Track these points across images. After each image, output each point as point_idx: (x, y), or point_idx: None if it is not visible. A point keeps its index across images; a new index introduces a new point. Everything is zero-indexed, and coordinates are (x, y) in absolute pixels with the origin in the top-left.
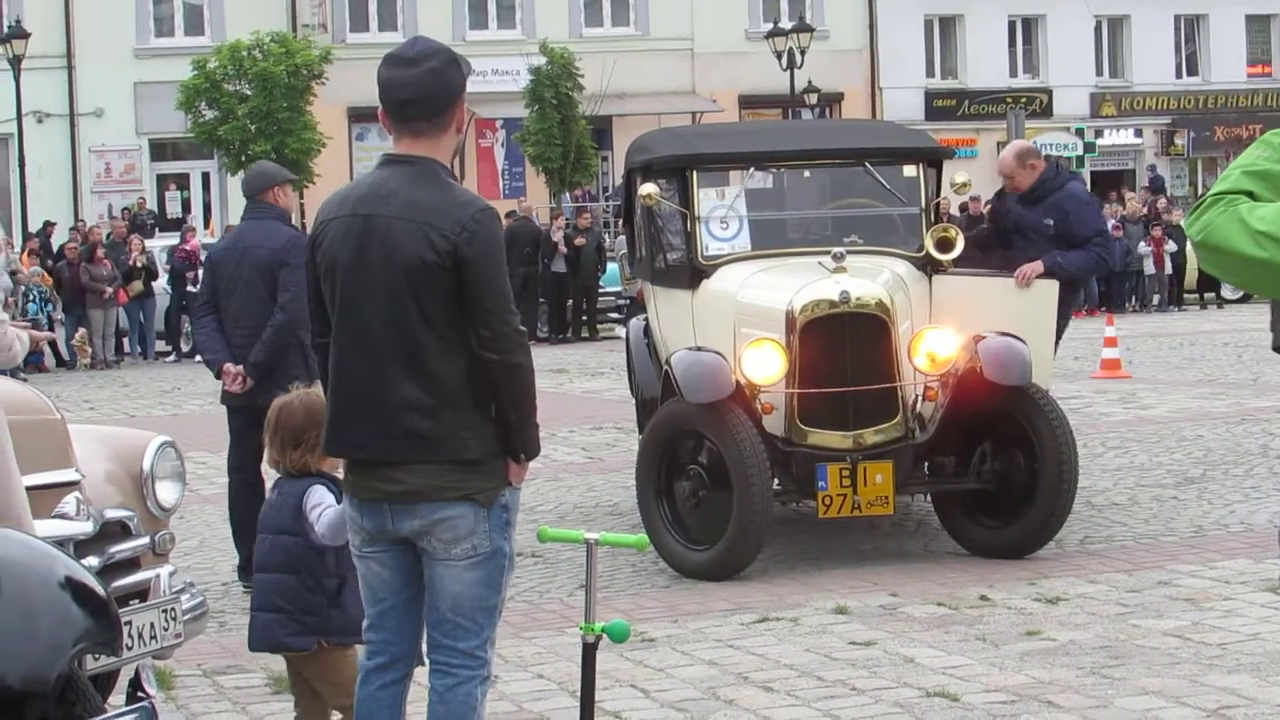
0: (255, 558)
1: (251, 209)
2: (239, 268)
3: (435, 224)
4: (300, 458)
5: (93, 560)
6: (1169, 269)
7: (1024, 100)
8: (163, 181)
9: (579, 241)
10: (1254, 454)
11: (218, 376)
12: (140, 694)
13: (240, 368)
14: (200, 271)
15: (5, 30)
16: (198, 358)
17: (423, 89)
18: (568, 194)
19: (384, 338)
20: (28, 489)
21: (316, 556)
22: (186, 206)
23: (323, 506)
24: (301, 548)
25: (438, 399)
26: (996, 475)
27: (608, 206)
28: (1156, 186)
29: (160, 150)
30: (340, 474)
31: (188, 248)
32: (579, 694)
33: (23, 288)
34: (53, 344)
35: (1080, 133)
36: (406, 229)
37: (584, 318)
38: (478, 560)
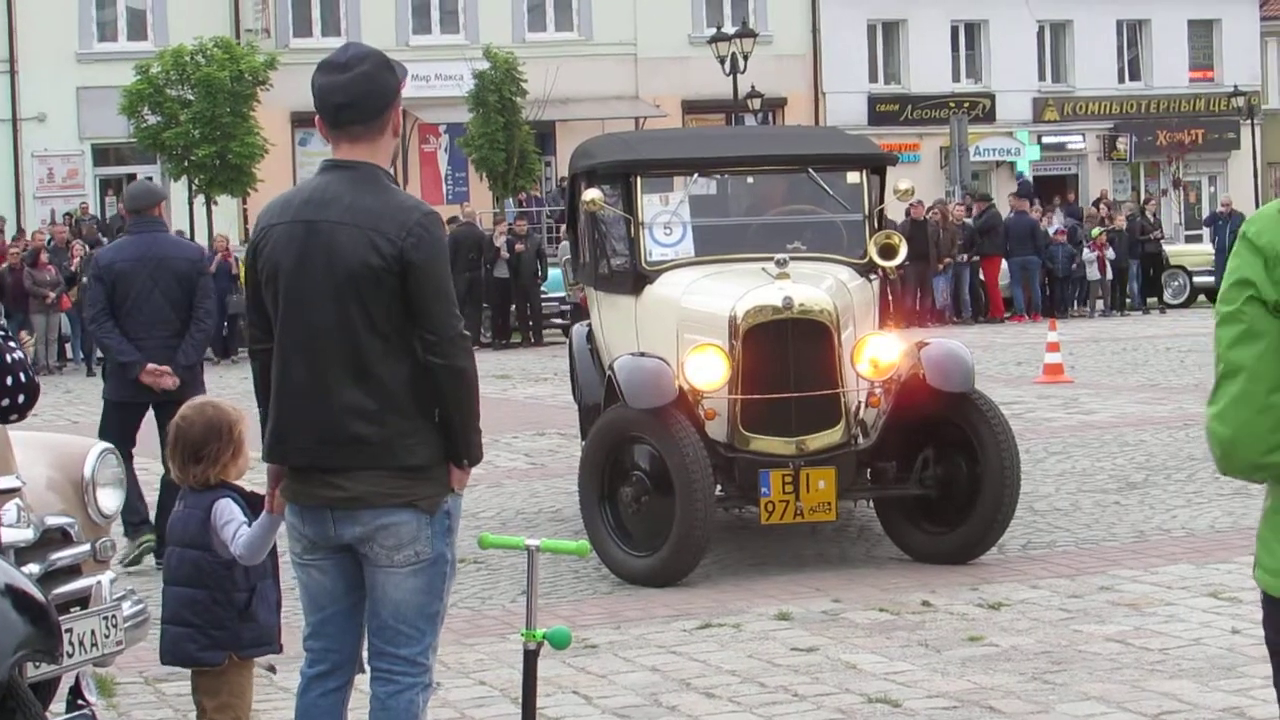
0: (164, 570)
1: (142, 223)
2: (154, 277)
3: (380, 228)
4: (203, 472)
5: (33, 567)
6: (1110, 274)
7: (967, 105)
8: (105, 186)
9: (519, 247)
10: (1196, 459)
11: (130, 377)
12: (81, 701)
13: (167, 367)
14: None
15: None
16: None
17: (356, 93)
18: (511, 199)
19: (328, 343)
20: None
21: (225, 570)
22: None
23: (235, 523)
24: (209, 562)
25: (382, 404)
26: (939, 481)
27: (550, 212)
28: (1024, 193)
29: (103, 155)
30: (245, 485)
31: None
32: (521, 701)
33: None
34: None
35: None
36: (351, 234)
37: (529, 323)
38: (420, 567)
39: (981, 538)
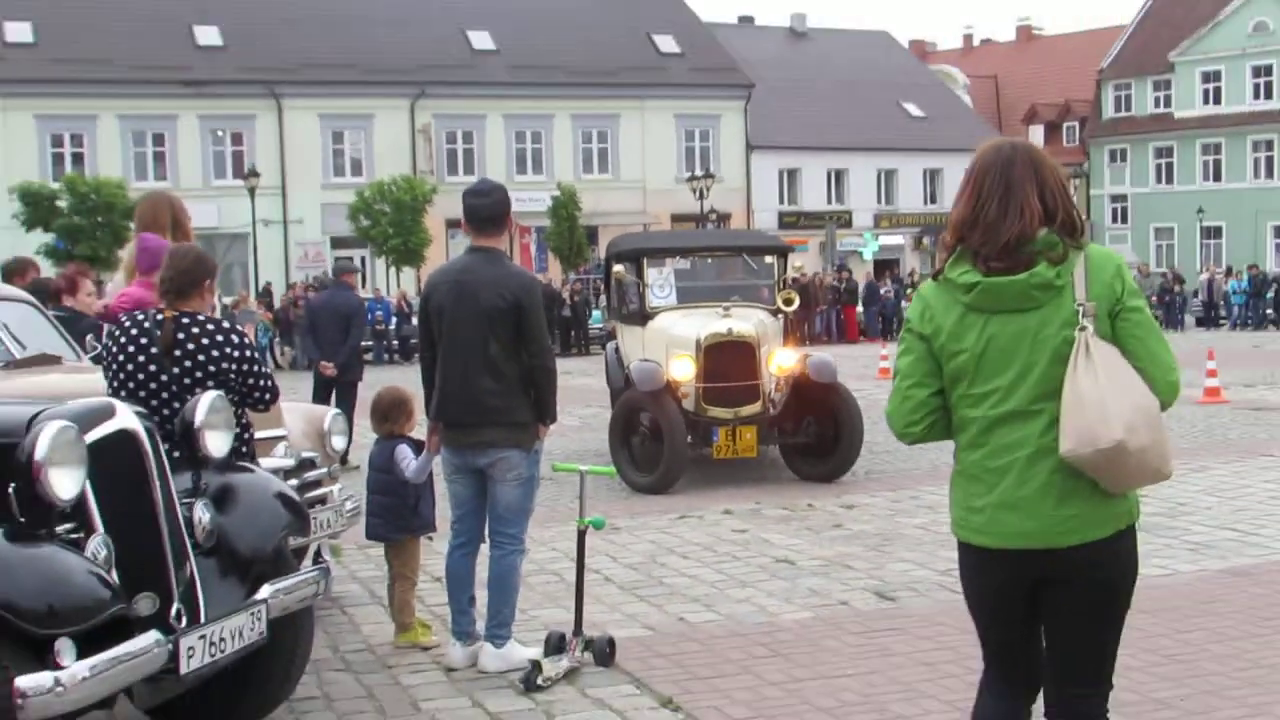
0: (367, 484)
1: (336, 285)
2: (333, 315)
3: (507, 285)
4: (388, 428)
5: (293, 481)
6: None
7: (836, 217)
8: (338, 263)
9: (576, 299)
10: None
11: (318, 369)
12: (321, 560)
13: (330, 364)
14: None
15: (246, 171)
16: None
17: (494, 210)
18: (572, 271)
19: (472, 352)
20: (259, 440)
21: (401, 485)
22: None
23: (408, 460)
24: (392, 481)
25: (503, 386)
26: (816, 434)
27: (595, 278)
28: (842, 267)
29: (336, 243)
30: (415, 435)
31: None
32: (576, 560)
33: (256, 324)
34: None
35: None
36: (488, 288)
37: (582, 342)
38: (521, 482)
39: (841, 467)
